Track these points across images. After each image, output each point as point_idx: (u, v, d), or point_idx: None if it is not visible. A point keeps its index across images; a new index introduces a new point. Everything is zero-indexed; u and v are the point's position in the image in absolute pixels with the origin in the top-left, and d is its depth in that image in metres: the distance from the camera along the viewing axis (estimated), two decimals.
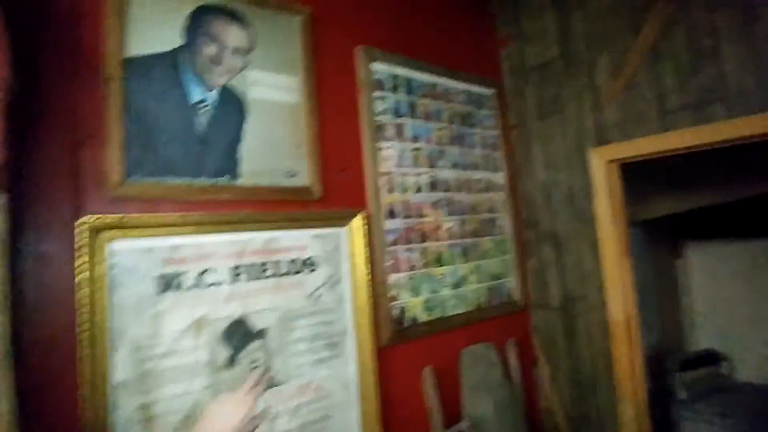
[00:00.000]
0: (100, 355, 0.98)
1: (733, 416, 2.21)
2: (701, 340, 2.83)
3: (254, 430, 0.85)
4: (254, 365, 1.18)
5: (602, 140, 1.75)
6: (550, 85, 1.93)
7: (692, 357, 2.57)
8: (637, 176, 1.78)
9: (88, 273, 0.99)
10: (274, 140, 1.32)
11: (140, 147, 1.09)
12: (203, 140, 1.19)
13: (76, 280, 0.98)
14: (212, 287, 1.15)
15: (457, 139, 1.82)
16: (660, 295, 2.78)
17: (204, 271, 1.15)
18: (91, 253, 1.00)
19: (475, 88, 1.93)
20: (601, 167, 1.73)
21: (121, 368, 1.01)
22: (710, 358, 2.61)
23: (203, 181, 1.18)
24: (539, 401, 1.92)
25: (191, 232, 1.14)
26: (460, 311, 1.69)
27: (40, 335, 0.95)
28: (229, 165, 1.23)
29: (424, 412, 1.51)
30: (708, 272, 2.85)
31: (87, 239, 0.99)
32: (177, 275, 1.10)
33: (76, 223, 0.99)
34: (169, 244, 1.10)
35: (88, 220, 1.00)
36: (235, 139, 1.25)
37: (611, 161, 1.72)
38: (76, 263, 0.98)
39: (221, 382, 1.13)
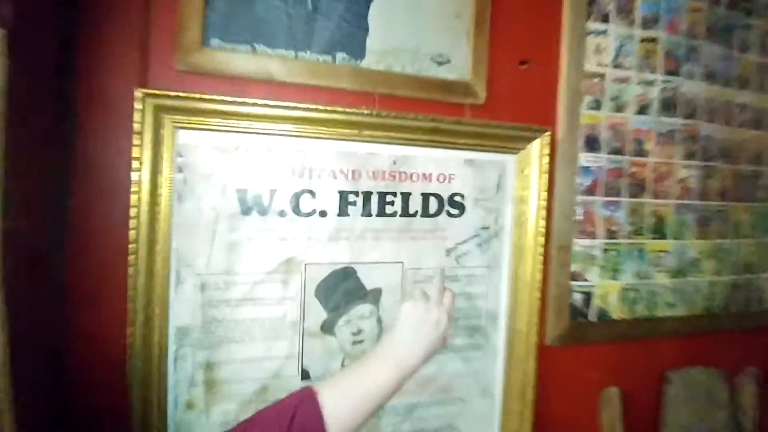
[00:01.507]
0: (159, 287, 0.71)
1: None
2: None
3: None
4: (357, 338, 0.81)
5: None
6: None
7: None
8: None
9: (147, 170, 0.69)
10: (422, 3, 0.84)
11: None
12: None
13: (132, 177, 0.69)
14: (311, 217, 0.78)
15: (720, 32, 1.08)
16: None
17: (302, 192, 0.78)
18: (154, 142, 0.69)
19: None
20: None
21: (183, 310, 0.72)
22: None
23: (312, 56, 0.78)
24: None
25: (290, 133, 0.76)
26: (677, 312, 1.07)
27: (85, 253, 0.70)
28: (352, 36, 0.80)
29: None
30: None
31: (148, 122, 0.69)
32: (265, 193, 0.76)
33: (135, 96, 0.68)
34: (259, 146, 0.75)
35: (149, 93, 0.69)
36: None
37: None
38: (133, 154, 0.69)
39: (311, 353, 0.79)
